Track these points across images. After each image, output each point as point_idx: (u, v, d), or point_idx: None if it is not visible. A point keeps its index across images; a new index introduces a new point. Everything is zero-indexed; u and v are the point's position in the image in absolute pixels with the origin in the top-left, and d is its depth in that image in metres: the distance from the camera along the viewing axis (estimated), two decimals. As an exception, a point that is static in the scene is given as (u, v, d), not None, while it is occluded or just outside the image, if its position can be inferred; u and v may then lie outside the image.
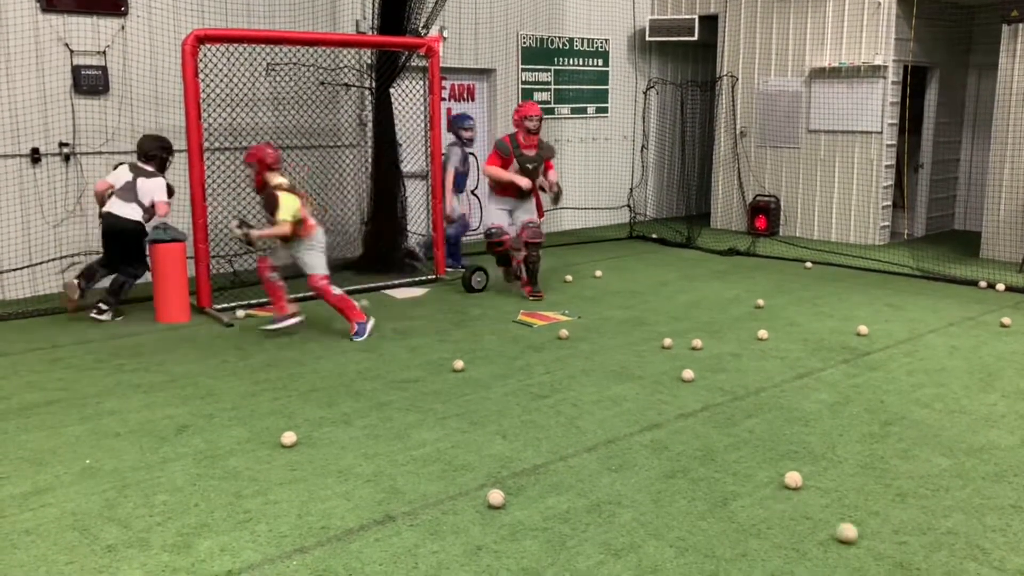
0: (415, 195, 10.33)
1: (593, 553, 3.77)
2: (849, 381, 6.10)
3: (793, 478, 4.40)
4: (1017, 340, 7.15)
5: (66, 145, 8.66)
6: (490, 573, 3.61)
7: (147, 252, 7.74)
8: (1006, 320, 7.61)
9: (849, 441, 5.02)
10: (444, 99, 11.34)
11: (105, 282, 7.82)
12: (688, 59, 14.35)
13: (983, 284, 9.17)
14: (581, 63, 13.04)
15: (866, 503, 4.24)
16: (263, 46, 9.19)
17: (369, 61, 10.15)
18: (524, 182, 8.41)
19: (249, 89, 9.39)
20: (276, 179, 7.04)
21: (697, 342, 6.90)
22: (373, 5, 9.58)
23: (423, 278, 9.42)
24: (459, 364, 6.34)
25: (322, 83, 10.11)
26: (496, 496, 4.18)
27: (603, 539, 3.89)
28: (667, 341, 6.95)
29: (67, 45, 8.58)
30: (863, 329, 7.30)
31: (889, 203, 12.00)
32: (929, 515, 4.12)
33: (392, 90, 9.74)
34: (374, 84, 9.88)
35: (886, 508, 4.19)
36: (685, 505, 4.22)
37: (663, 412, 5.48)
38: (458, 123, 9.72)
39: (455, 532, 3.95)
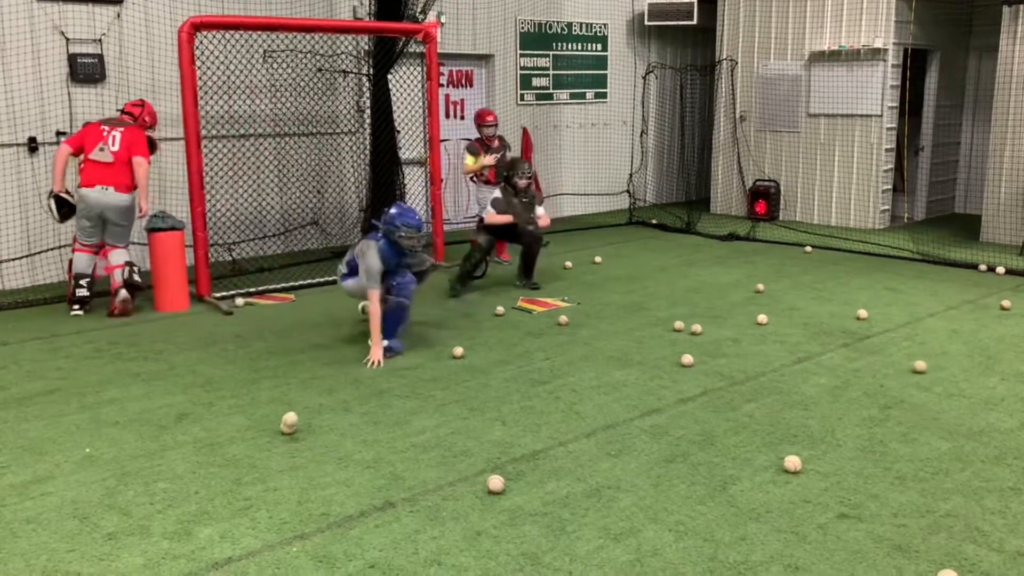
0: (414, 182, 10.31)
1: (592, 537, 3.77)
2: (849, 365, 6.10)
3: (792, 462, 4.40)
4: (1017, 323, 7.14)
5: (63, 134, 8.64)
6: (490, 558, 3.61)
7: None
8: (1006, 303, 7.60)
9: (848, 425, 5.02)
10: (442, 85, 11.31)
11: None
12: (687, 43, 14.29)
13: (983, 267, 9.16)
14: (580, 48, 12.99)
15: (865, 486, 4.24)
16: (260, 33, 9.15)
17: (367, 47, 10.12)
18: None
19: (246, 76, 9.36)
20: None
21: (697, 327, 6.90)
22: (370, -9, 9.56)
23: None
24: (459, 351, 6.34)
25: (320, 70, 10.08)
26: (496, 482, 4.19)
27: (602, 523, 3.89)
28: (678, 324, 6.98)
29: (63, 33, 8.54)
30: (863, 313, 7.30)
31: (889, 187, 11.97)
32: (928, 498, 4.12)
33: (390, 76, 9.71)
34: (372, 71, 9.84)
35: (885, 491, 4.19)
36: (684, 489, 4.22)
37: (662, 397, 5.48)
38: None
39: (455, 518, 3.95)
